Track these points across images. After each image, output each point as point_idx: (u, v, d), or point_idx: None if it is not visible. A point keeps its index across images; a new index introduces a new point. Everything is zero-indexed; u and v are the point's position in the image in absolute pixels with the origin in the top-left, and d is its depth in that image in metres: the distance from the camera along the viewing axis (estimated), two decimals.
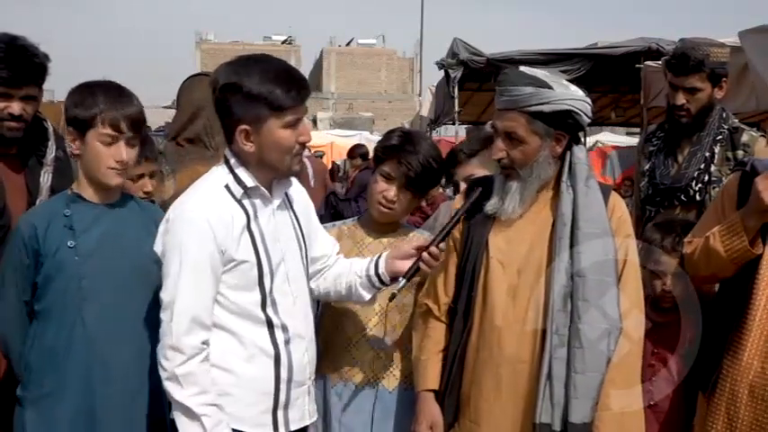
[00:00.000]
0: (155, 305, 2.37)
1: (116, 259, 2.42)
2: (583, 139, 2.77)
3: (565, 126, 2.40)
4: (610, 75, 10.19)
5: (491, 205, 2.47)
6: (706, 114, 3.38)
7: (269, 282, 2.30)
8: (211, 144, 3.23)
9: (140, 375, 2.42)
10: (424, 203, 5.49)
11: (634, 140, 14.52)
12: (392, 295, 2.46)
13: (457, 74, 10.04)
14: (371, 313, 2.76)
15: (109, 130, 2.37)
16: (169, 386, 2.20)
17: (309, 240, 2.51)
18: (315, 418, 2.53)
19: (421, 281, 2.65)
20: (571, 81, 2.51)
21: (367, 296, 2.56)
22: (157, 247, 2.28)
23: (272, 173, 2.33)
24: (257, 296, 2.29)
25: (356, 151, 10.90)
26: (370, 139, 16.29)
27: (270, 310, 2.31)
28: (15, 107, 2.75)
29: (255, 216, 2.31)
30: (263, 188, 2.32)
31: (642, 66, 7.98)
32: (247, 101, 2.20)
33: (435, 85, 12.61)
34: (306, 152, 2.80)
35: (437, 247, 2.43)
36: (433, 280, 2.59)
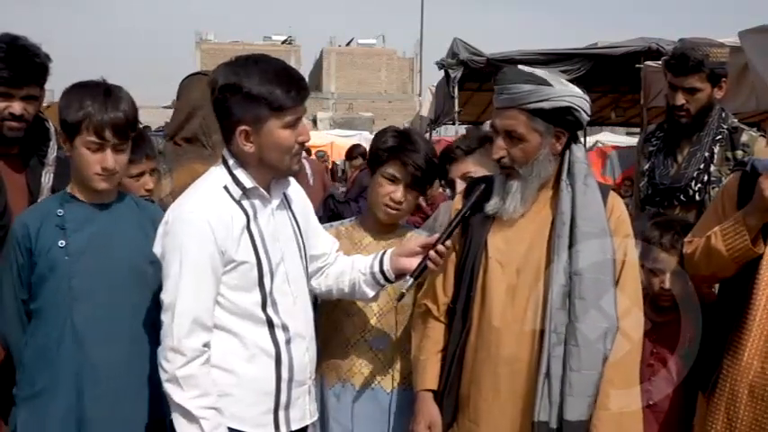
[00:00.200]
0: (151, 305, 2.36)
1: (109, 259, 2.41)
2: (582, 139, 2.77)
3: (565, 123, 2.40)
4: (610, 75, 10.21)
5: (492, 205, 2.46)
6: (705, 114, 3.38)
7: (269, 282, 2.30)
8: (208, 143, 3.23)
9: (134, 376, 2.40)
10: (423, 203, 5.48)
11: (634, 140, 14.48)
12: (401, 294, 2.46)
13: (457, 74, 10.06)
14: (370, 314, 2.76)
15: (94, 138, 2.34)
16: (169, 388, 2.19)
17: (309, 239, 2.51)
18: (315, 418, 2.53)
19: (420, 281, 2.65)
20: (571, 81, 2.50)
21: (371, 293, 2.56)
22: (157, 249, 2.27)
23: (272, 173, 2.33)
24: (257, 296, 2.29)
25: (355, 151, 10.84)
26: (370, 140, 16.21)
27: (270, 311, 2.30)
28: (16, 107, 2.76)
29: (255, 217, 2.31)
30: (261, 189, 2.32)
31: (642, 66, 7.99)
32: (247, 101, 2.20)
33: (435, 85, 12.63)
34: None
35: (443, 244, 2.44)
36: (432, 280, 2.58)
